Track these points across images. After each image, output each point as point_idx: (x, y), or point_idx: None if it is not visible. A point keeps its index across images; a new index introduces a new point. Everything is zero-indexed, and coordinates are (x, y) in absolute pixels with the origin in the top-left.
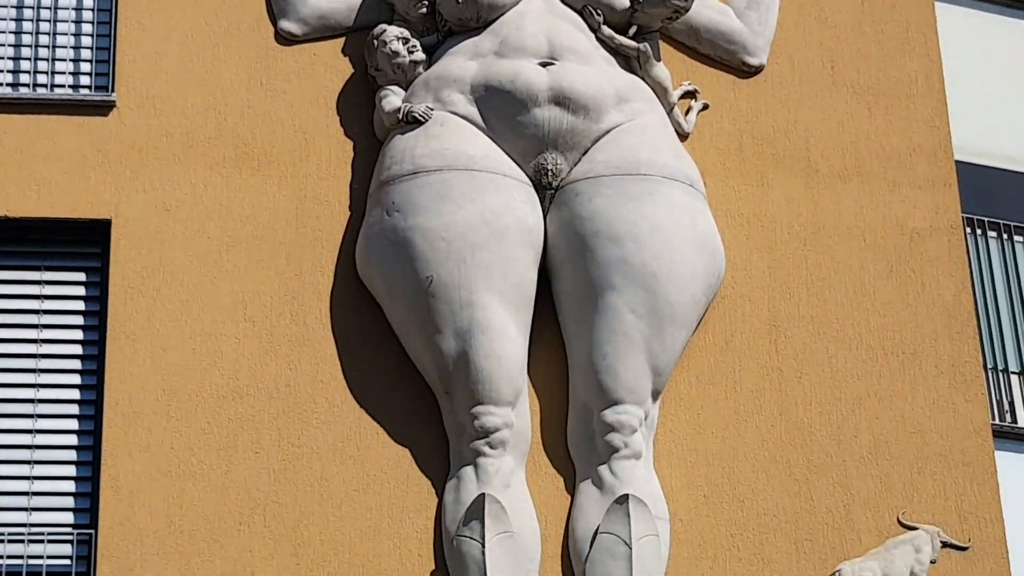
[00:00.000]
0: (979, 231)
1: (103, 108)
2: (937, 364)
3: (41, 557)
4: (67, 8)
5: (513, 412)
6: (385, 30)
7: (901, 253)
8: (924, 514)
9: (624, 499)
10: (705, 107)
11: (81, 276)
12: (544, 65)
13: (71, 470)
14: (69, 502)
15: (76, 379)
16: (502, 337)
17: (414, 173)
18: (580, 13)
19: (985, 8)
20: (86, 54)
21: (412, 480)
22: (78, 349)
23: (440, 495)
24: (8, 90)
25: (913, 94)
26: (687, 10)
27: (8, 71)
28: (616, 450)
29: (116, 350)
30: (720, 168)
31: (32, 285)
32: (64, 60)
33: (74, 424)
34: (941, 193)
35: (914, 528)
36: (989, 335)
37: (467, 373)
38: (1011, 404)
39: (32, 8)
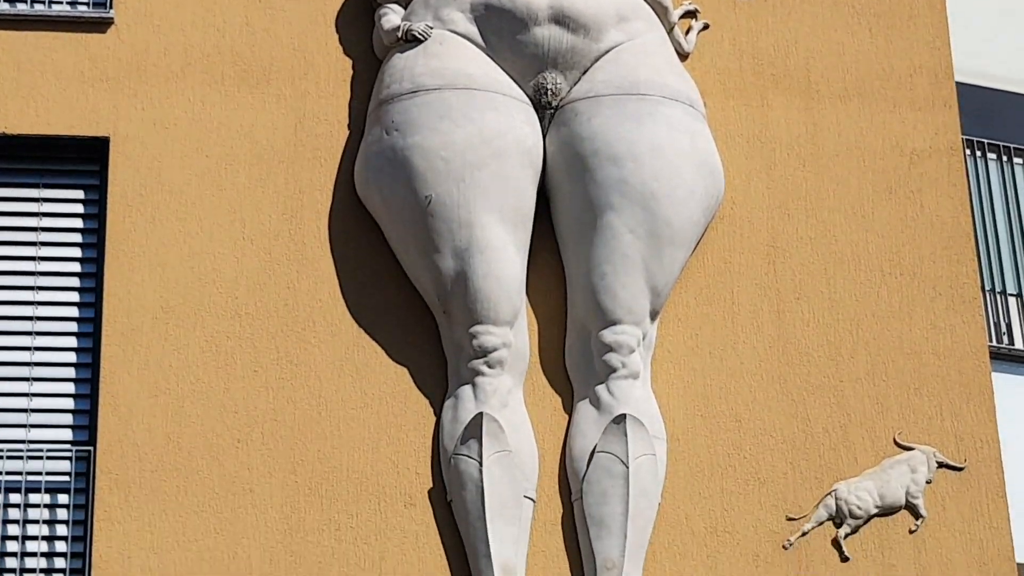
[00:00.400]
0: (979, 153)
1: (101, 25)
2: (935, 286)
3: (40, 473)
4: None
5: (511, 332)
6: None
7: (900, 174)
8: (920, 435)
9: (621, 419)
10: (705, 27)
11: (79, 194)
12: None
13: (70, 387)
14: (68, 419)
15: (75, 296)
16: (501, 257)
17: (413, 92)
18: None
19: None
20: None
21: (410, 399)
22: (76, 267)
23: (438, 414)
24: (6, 6)
25: (914, 15)
26: None
27: None
28: (614, 370)
29: (115, 268)
30: (720, 88)
31: (30, 203)
32: None
33: (73, 341)
34: (941, 114)
35: (910, 448)
36: (987, 257)
37: (465, 292)
38: (1008, 326)
39: None
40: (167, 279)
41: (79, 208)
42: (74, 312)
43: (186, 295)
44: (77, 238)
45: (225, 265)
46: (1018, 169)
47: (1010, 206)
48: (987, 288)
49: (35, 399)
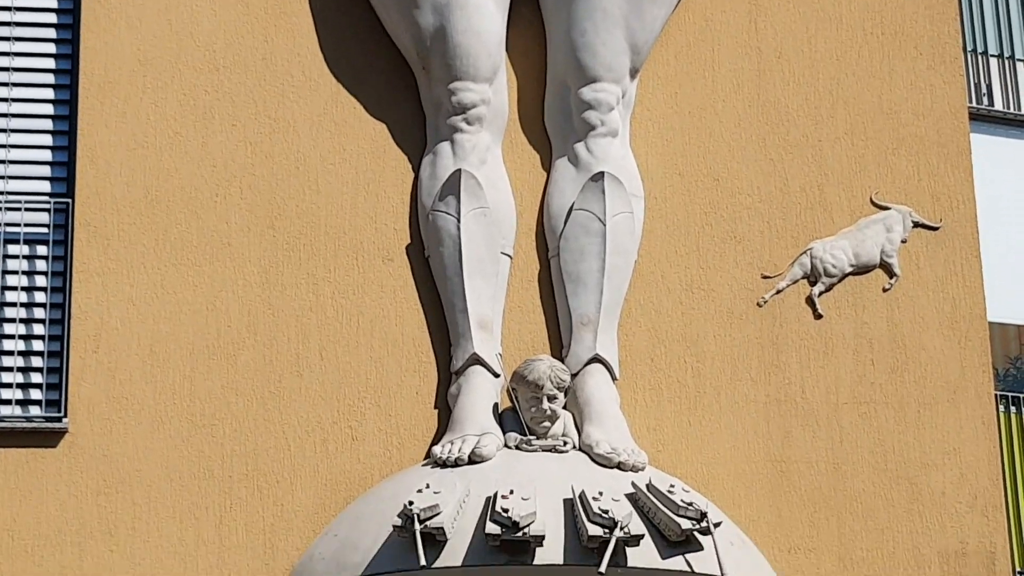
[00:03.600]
0: None
1: None
2: (917, 45)
3: (18, 224)
4: None
5: (490, 88)
6: None
7: None
8: (897, 194)
9: (599, 176)
10: None
11: None
12: None
13: (47, 139)
14: (46, 171)
15: (51, 48)
16: (480, 12)
17: None
18: None
19: None
20: None
21: (388, 155)
22: (52, 18)
23: (416, 170)
24: None
25: None
26: None
27: None
28: (593, 128)
29: (91, 20)
30: None
31: None
32: None
33: (50, 93)
34: None
35: (886, 208)
36: (970, 17)
37: (445, 48)
38: (988, 87)
39: None
40: (144, 31)
41: None
42: (51, 64)
43: (163, 48)
44: None
45: (202, 17)
46: None
47: None
48: (968, 48)
49: (12, 151)
